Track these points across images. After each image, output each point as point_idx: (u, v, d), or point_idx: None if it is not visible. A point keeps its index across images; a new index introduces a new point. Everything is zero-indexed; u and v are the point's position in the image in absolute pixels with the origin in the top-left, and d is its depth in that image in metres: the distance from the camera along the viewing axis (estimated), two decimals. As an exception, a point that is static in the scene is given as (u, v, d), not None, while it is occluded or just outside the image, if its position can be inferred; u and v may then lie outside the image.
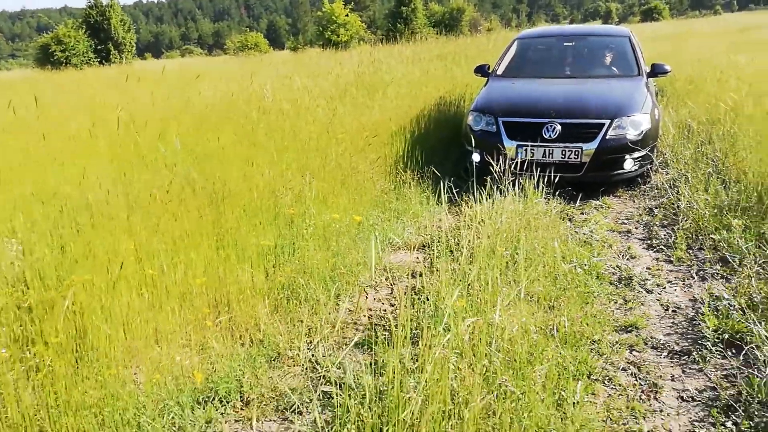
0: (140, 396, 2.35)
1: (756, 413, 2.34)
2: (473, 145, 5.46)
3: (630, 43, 6.52)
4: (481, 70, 6.74)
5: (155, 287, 2.86)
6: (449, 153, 6.17)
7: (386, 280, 3.77)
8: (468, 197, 4.69)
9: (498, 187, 4.45)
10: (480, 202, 4.39)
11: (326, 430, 2.27)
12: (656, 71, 6.07)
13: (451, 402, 2.15)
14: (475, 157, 5.49)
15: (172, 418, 2.32)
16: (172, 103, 5.71)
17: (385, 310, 3.37)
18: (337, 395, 2.34)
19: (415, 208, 4.86)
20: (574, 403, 2.35)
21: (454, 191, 5.08)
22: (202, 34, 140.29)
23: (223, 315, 2.95)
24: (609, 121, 5.16)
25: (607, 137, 5.14)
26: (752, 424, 2.29)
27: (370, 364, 2.69)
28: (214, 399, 2.47)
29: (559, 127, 5.18)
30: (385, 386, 2.27)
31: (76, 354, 2.40)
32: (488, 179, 4.54)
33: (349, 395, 2.32)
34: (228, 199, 3.54)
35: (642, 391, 2.56)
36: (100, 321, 2.46)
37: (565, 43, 6.95)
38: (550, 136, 5.20)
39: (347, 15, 33.95)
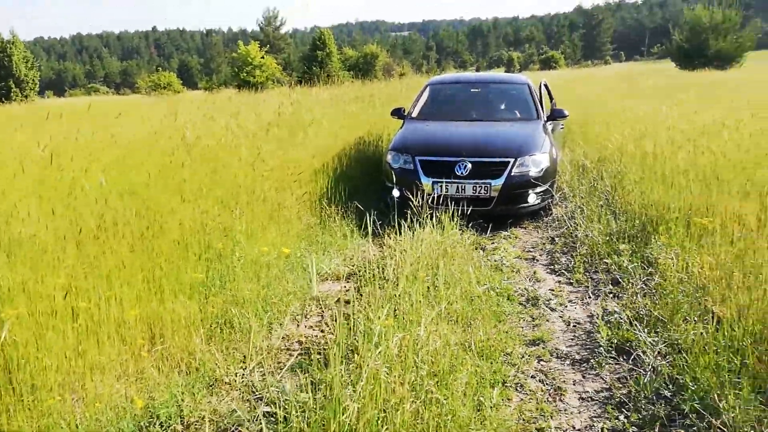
0: (81, 425, 2.39)
1: (643, 407, 2.72)
2: (393, 181, 5.84)
3: (529, 90, 7.22)
4: (398, 113, 7.20)
5: (91, 320, 2.90)
6: (371, 189, 6.49)
7: (317, 308, 3.96)
8: (390, 230, 4.99)
9: (417, 220, 4.78)
10: (401, 233, 4.70)
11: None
12: (555, 115, 6.75)
13: (383, 411, 2.37)
14: (395, 193, 5.86)
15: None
16: (97, 138, 5.67)
17: (316, 336, 3.55)
18: (278, 411, 2.49)
19: (341, 240, 5.10)
20: (491, 407, 2.63)
21: (378, 224, 5.37)
22: (109, 73, 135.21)
23: (158, 345, 3.03)
24: (513, 159, 5.68)
25: (512, 174, 5.65)
26: (640, 417, 2.67)
27: (309, 383, 2.85)
28: (155, 424, 2.55)
29: (470, 165, 5.65)
30: (325, 399, 2.46)
31: (11, 386, 2.41)
32: (408, 213, 4.87)
33: (289, 412, 2.48)
34: (159, 234, 3.62)
35: (549, 395, 2.89)
36: (37, 353, 2.49)
37: (471, 89, 7.57)
38: (462, 173, 5.65)
39: (263, 57, 34.27)
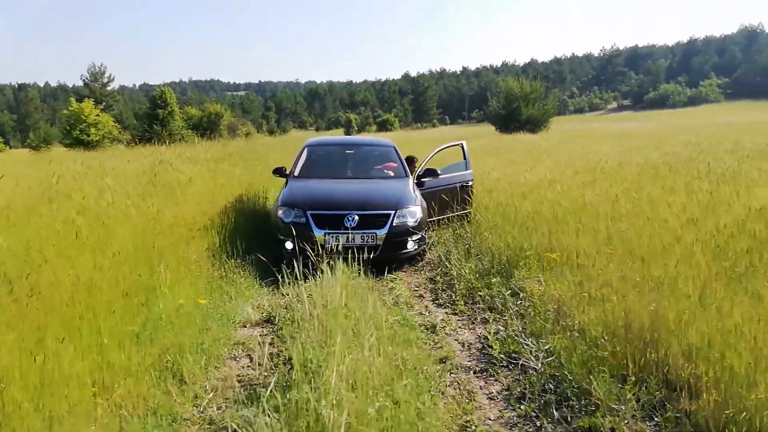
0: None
1: (537, 398, 3.48)
2: (285, 234, 6.28)
3: (395, 151, 8.18)
4: (279, 172, 7.70)
5: (42, 375, 2.97)
6: (263, 242, 6.83)
7: (243, 350, 4.26)
8: (289, 279, 5.41)
9: (314, 268, 5.29)
10: (304, 281, 5.16)
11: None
12: (428, 174, 7.66)
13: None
14: (288, 245, 6.30)
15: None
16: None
17: (251, 374, 3.87)
18: None
19: (247, 291, 5.41)
20: (426, 410, 3.21)
21: (276, 274, 5.76)
22: None
23: (112, 393, 3.17)
24: (394, 211, 6.47)
25: (394, 224, 6.42)
26: (536, 405, 3.41)
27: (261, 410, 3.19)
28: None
29: (357, 217, 6.31)
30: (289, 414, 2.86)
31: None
32: (301, 262, 5.32)
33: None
34: (90, 292, 3.73)
35: (464, 397, 3.55)
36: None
37: (346, 151, 8.36)
38: (350, 224, 6.29)
39: (98, 114, 32.49)
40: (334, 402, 2.77)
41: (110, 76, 58.93)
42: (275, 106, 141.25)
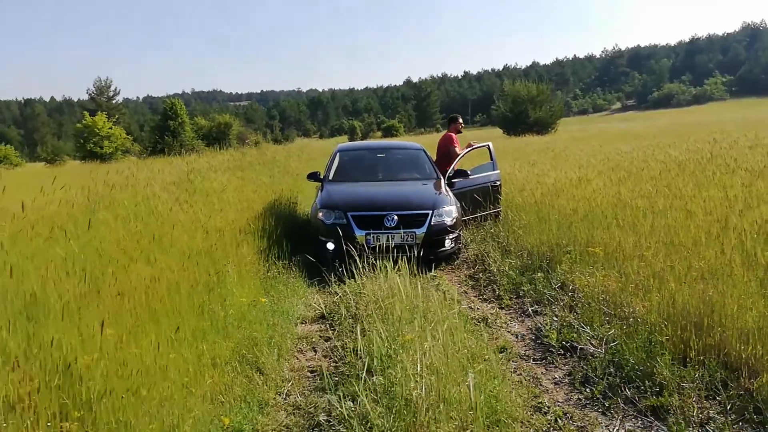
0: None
1: (601, 380, 3.64)
2: (327, 235, 6.47)
3: (425, 154, 8.37)
4: (314, 176, 7.91)
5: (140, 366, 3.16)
6: (305, 243, 7.01)
7: (306, 345, 4.45)
8: (335, 278, 5.61)
9: (357, 268, 5.47)
10: (355, 279, 5.35)
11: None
12: (458, 175, 7.85)
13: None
14: (330, 246, 6.48)
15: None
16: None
17: (320, 365, 4.05)
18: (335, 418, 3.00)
19: (297, 290, 5.60)
20: (498, 394, 3.38)
21: (323, 274, 5.96)
22: None
23: (201, 382, 3.35)
24: (431, 211, 6.65)
25: (432, 223, 6.60)
26: (601, 387, 3.57)
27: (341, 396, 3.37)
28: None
29: (396, 218, 6.50)
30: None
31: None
32: (344, 262, 5.51)
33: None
34: (168, 291, 3.92)
35: (530, 382, 3.72)
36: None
37: (378, 155, 8.56)
38: (390, 224, 6.47)
39: (111, 127, 32.88)
40: (422, 385, 2.94)
41: (116, 89, 59.36)
42: (279, 115, 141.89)
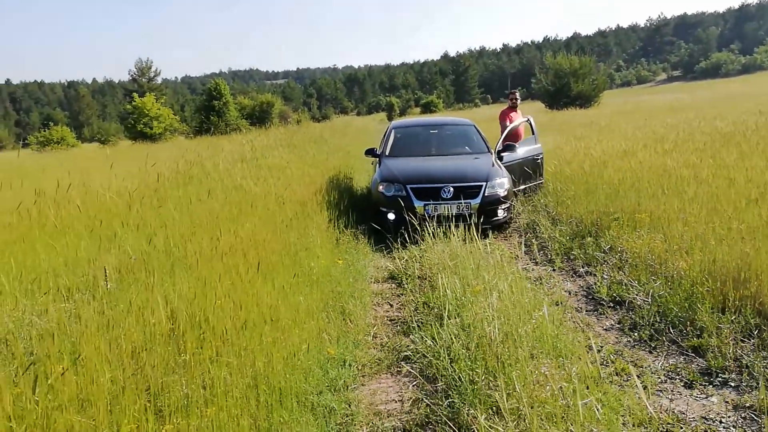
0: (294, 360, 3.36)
1: (647, 327, 4.14)
2: (388, 206, 7.06)
3: (476, 129, 8.84)
4: (371, 152, 8.50)
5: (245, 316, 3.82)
6: (366, 213, 7.63)
7: (382, 299, 5.08)
8: (398, 244, 6.22)
9: (417, 235, 6.06)
10: (418, 245, 5.94)
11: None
12: (506, 149, 8.32)
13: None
14: (391, 216, 7.08)
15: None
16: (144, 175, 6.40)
17: (399, 315, 4.67)
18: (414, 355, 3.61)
19: (367, 254, 6.23)
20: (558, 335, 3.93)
21: (388, 240, 6.57)
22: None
23: (301, 326, 4.00)
24: (485, 183, 7.16)
25: (486, 194, 7.11)
26: (647, 333, 4.07)
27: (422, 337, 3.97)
28: (342, 364, 3.56)
29: (452, 189, 7.03)
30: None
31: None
32: (403, 231, 6.10)
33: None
34: (265, 250, 4.58)
35: (583, 329, 4.25)
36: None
37: (431, 131, 9.07)
38: (446, 196, 7.02)
39: (159, 108, 34.11)
40: (494, 325, 3.52)
41: (156, 70, 60.19)
42: (316, 92, 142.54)
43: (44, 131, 35.56)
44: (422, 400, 3.23)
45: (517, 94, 9.77)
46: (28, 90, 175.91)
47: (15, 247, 4.19)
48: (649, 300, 4.45)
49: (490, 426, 2.60)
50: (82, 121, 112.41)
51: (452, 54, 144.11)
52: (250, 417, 2.60)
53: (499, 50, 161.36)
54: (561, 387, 2.84)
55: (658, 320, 4.20)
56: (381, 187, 7.36)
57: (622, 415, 2.97)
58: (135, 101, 34.13)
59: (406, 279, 5.50)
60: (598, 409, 2.52)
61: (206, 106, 37.89)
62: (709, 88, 56.76)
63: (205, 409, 2.52)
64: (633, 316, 4.36)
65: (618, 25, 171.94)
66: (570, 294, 5.09)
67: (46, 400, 2.35)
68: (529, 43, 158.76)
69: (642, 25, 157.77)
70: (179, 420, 2.45)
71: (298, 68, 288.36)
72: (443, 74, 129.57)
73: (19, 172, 9.62)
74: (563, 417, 2.61)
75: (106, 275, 3.49)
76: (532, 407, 2.77)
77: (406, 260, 6.00)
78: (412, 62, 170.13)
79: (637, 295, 4.61)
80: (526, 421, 2.69)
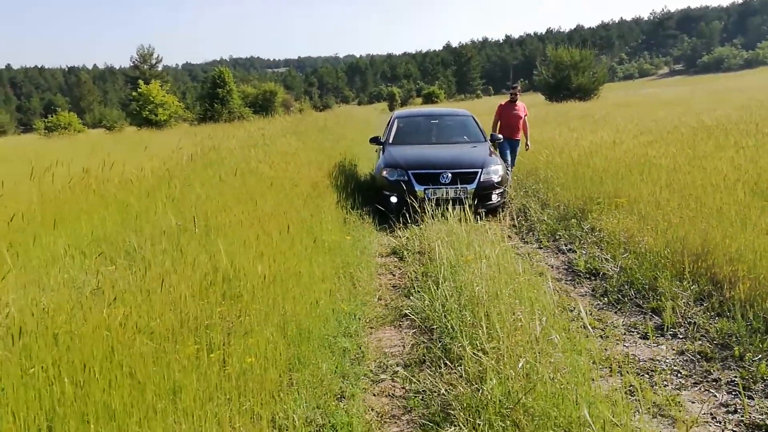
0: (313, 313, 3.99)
1: (615, 293, 4.78)
2: (390, 190, 7.69)
3: (473, 120, 9.45)
4: (376, 140, 9.12)
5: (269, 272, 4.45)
6: (370, 196, 8.25)
7: (385, 270, 5.71)
8: (399, 224, 6.85)
9: (417, 217, 6.68)
10: (416, 225, 6.57)
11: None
12: (492, 139, 8.95)
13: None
14: (393, 199, 7.70)
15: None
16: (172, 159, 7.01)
17: (399, 282, 5.30)
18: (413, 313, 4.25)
19: (372, 232, 6.86)
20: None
21: (390, 221, 7.21)
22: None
23: (320, 285, 4.64)
24: (480, 169, 7.77)
25: (481, 180, 7.72)
26: (614, 297, 4.71)
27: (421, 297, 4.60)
28: (353, 317, 4.20)
29: (450, 175, 7.65)
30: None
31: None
32: (405, 212, 6.71)
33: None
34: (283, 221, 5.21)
35: (560, 295, 4.89)
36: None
37: (431, 121, 9.68)
38: (445, 181, 7.63)
39: (164, 95, 34.62)
40: (482, 286, 4.15)
41: (158, 57, 59.80)
42: (317, 81, 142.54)
43: (52, 117, 36.12)
44: (420, 344, 3.88)
45: (519, 88, 10.33)
46: (29, 75, 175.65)
47: (83, 216, 4.83)
48: (618, 271, 5.09)
49: (474, 353, 3.23)
50: (84, 107, 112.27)
51: (455, 44, 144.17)
52: (283, 345, 3.24)
53: (501, 41, 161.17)
54: (532, 329, 3.47)
55: (626, 287, 4.84)
56: (385, 172, 7.97)
57: (583, 354, 3.60)
58: (141, 88, 34.65)
59: (407, 253, 6.13)
60: (557, 338, 3.15)
61: (210, 93, 38.38)
62: (710, 82, 57.23)
63: (247, 339, 3.15)
64: (605, 285, 4.99)
65: (621, 17, 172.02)
66: (552, 267, 5.73)
67: (119, 329, 2.98)
68: (532, 34, 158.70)
69: (645, 18, 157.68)
70: (227, 346, 3.08)
71: (299, 57, 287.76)
72: (445, 65, 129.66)
73: (64, 154, 10.16)
74: (531, 347, 3.24)
75: (195, 222, 4.13)
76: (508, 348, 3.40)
77: (407, 238, 6.63)
78: (414, 52, 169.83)
79: (610, 267, 5.24)
80: (505, 357, 3.33)
